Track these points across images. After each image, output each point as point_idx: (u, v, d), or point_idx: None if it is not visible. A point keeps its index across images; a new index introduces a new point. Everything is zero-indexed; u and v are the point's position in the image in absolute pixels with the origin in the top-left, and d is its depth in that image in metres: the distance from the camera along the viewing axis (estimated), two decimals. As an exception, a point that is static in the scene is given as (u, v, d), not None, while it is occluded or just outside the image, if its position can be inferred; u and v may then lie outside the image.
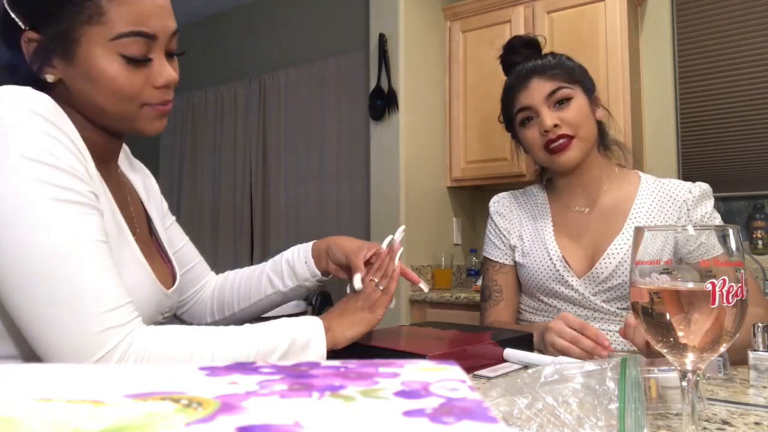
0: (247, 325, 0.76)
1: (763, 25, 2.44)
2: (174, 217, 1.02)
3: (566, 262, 1.20)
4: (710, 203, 1.19)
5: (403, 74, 2.74)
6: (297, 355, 0.75)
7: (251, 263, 3.84)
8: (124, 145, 0.90)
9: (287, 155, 3.76)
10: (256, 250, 3.87)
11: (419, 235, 2.80)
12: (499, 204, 1.37)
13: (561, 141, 1.17)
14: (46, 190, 0.61)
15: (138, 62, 0.71)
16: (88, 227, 0.64)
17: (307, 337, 0.76)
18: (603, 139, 1.28)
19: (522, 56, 1.26)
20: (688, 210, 1.17)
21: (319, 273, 0.98)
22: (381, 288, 0.88)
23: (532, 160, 1.34)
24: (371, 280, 0.89)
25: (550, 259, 1.22)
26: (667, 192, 1.21)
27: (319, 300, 2.98)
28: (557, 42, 2.62)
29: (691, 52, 2.60)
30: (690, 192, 1.18)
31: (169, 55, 0.76)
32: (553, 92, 1.18)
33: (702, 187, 1.19)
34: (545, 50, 1.29)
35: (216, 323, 1.02)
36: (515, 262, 1.30)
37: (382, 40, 2.75)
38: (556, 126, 1.17)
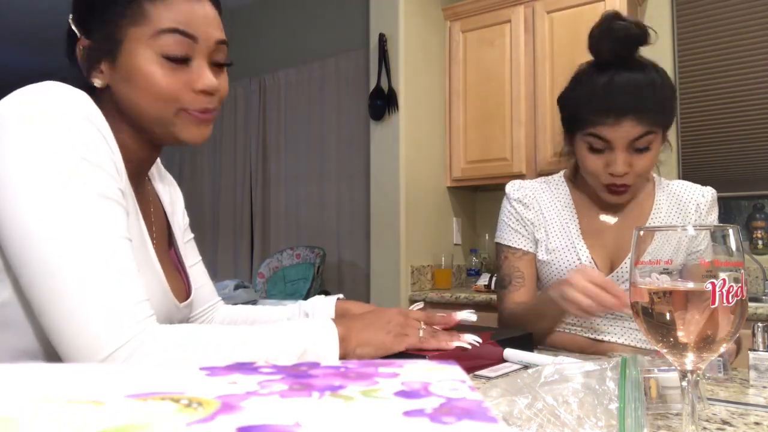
0: (261, 329, 0.73)
1: (763, 25, 2.44)
2: (192, 235, 1.00)
3: (595, 263, 1.20)
4: (717, 211, 1.23)
5: (403, 74, 2.73)
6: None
7: (251, 263, 3.86)
8: None
9: (287, 155, 3.75)
10: (256, 250, 3.87)
11: (419, 235, 2.80)
12: (521, 192, 1.29)
13: (622, 186, 1.13)
14: (79, 182, 0.63)
15: (177, 62, 0.72)
16: (114, 223, 0.65)
17: (322, 349, 0.74)
18: None
19: (622, 52, 1.12)
20: (701, 214, 1.20)
21: None
22: (421, 332, 0.81)
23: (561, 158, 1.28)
24: (423, 326, 0.83)
25: (579, 259, 1.20)
26: (682, 195, 1.23)
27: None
28: (557, 42, 2.62)
29: (691, 52, 2.60)
30: (703, 196, 1.22)
31: (217, 66, 0.77)
32: (639, 137, 1.08)
33: (713, 192, 1.23)
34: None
35: None
36: (537, 258, 1.26)
37: (382, 40, 2.75)
38: (626, 173, 1.10)
